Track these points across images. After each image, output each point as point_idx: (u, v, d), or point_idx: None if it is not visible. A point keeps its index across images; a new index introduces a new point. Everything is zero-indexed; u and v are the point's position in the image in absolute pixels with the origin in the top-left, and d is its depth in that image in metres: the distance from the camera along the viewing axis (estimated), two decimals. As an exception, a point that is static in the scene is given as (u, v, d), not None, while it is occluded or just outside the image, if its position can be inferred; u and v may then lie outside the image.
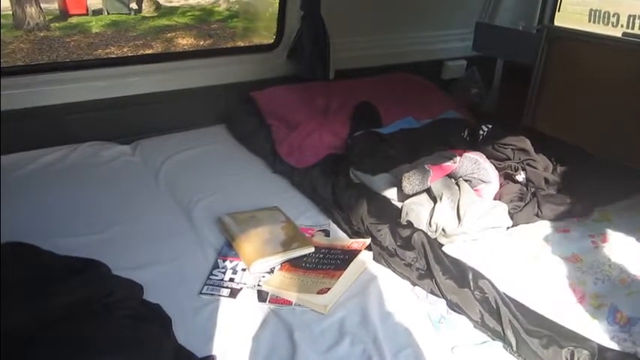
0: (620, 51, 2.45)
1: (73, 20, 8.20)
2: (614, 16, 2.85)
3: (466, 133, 2.19)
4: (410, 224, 1.69)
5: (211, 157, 2.38)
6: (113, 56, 6.38)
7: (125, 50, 6.95)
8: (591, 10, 2.96)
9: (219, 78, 2.74)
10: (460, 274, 1.48)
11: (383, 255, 1.65)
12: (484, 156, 1.90)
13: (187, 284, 1.53)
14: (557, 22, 3.16)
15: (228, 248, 1.69)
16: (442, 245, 1.62)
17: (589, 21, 2.94)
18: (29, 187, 2.03)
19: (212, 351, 1.29)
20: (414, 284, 1.56)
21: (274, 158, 2.28)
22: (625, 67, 2.40)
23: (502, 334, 1.35)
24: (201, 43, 7.80)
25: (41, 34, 7.36)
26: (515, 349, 1.32)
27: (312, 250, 1.66)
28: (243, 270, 1.59)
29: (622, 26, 2.81)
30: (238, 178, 2.19)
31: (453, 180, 1.81)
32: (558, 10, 3.19)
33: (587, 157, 2.13)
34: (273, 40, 2.94)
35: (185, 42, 7.79)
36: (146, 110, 2.58)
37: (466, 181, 1.81)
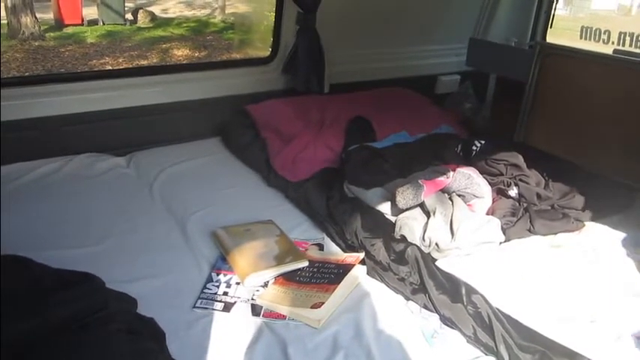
0: (611, 68, 2.48)
1: (69, 30, 8.21)
2: (605, 33, 2.90)
3: (459, 148, 2.21)
4: (403, 239, 1.70)
5: (206, 169, 2.38)
6: (109, 68, 6.38)
7: (120, 61, 6.96)
8: (583, 27, 3.01)
9: (214, 91, 2.75)
10: (453, 288, 1.49)
11: (376, 269, 1.66)
12: (477, 171, 1.92)
13: (181, 298, 1.53)
14: (549, 39, 3.21)
15: (222, 262, 1.69)
16: (435, 260, 1.63)
17: (580, 37, 2.99)
18: (24, 199, 2.03)
19: (205, 365, 1.29)
20: (407, 299, 1.57)
21: (269, 171, 2.29)
22: (616, 83, 2.44)
23: (495, 349, 1.35)
24: (197, 54, 7.83)
25: (36, 44, 7.36)
26: (507, 364, 1.33)
27: (306, 264, 1.66)
28: (237, 284, 1.59)
29: (613, 43, 2.85)
30: (233, 191, 2.19)
31: (446, 195, 1.83)
32: (550, 27, 3.25)
33: (578, 173, 2.15)
34: (268, 54, 2.96)
35: (180, 53, 7.81)
36: (141, 122, 2.58)
37: (459, 196, 1.83)
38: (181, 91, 2.67)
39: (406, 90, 3.05)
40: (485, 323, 1.39)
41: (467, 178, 1.85)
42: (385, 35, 3.15)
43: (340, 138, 2.43)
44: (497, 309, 1.41)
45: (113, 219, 1.93)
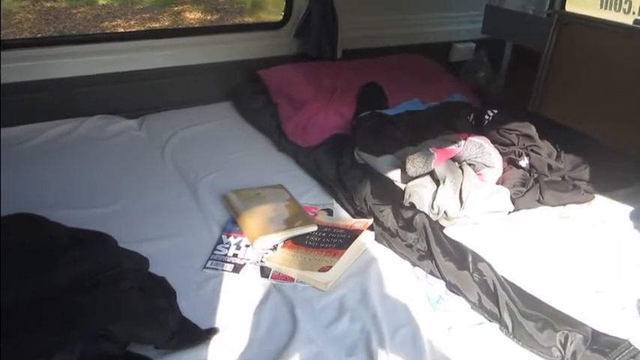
0: (631, 39, 2.43)
1: (81, -9, 8.12)
2: (626, 2, 2.83)
3: (472, 117, 2.19)
4: (412, 206, 1.71)
5: (217, 133, 2.39)
6: (121, 30, 6.33)
7: (132, 23, 6.90)
8: (604, -5, 2.93)
9: (226, 55, 2.74)
10: (460, 256, 1.50)
11: (384, 235, 1.67)
12: (488, 140, 1.91)
13: (192, 259, 1.56)
14: (568, 8, 3.14)
15: (233, 224, 1.71)
16: (443, 228, 1.64)
17: (600, 7, 2.92)
18: (37, 160, 2.05)
19: (215, 323, 1.32)
20: (414, 265, 1.59)
21: (280, 137, 2.29)
22: (635, 55, 2.39)
23: (499, 316, 1.37)
24: (209, 17, 7.74)
25: (48, 5, 7.31)
26: (510, 331, 1.34)
27: (315, 228, 1.68)
28: (247, 246, 1.62)
29: (634, 13, 2.79)
30: (244, 155, 2.20)
31: (456, 163, 1.83)
32: (569, -5, 3.17)
33: (591, 145, 2.13)
34: (281, 18, 2.92)
35: (192, 16, 7.73)
36: (153, 85, 2.58)
37: (470, 165, 1.82)
38: (193, 55, 2.66)
39: (420, 57, 3.01)
40: (490, 291, 1.41)
41: (478, 147, 1.84)
42: (400, 1, 3.09)
43: (352, 104, 2.42)
44: (503, 277, 1.42)
45: (125, 180, 1.96)
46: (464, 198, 1.68)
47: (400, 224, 1.65)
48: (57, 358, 1.03)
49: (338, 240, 1.61)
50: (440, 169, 1.76)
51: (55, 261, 1.31)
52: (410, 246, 1.60)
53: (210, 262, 1.55)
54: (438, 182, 1.75)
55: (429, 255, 1.56)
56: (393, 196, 1.76)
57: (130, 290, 1.28)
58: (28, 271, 1.25)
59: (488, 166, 1.83)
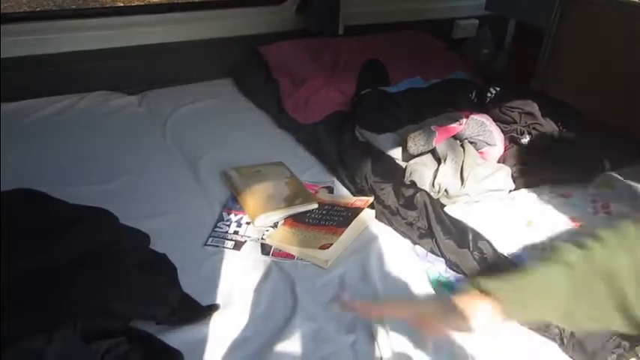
0: (638, 15, 2.39)
1: (79, -35, 8.01)
2: (633, -22, 2.78)
3: (474, 94, 2.17)
4: (413, 184, 1.70)
5: (217, 110, 2.38)
6: (121, 5, 6.26)
7: (131, -2, 6.82)
8: (610, -29, 2.88)
9: (226, 30, 2.70)
10: (460, 234, 1.50)
11: (385, 213, 1.67)
12: (490, 118, 1.90)
13: (192, 235, 1.56)
14: (573, -17, 3.08)
15: (233, 202, 1.72)
16: (444, 206, 1.64)
17: (607, -17, 2.87)
18: (36, 136, 2.05)
19: (216, 300, 1.33)
20: (414, 243, 1.59)
21: (280, 113, 2.28)
22: (642, 33, 2.35)
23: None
24: (209, -8, 7.66)
25: (46, -21, 7.22)
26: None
27: (316, 206, 1.68)
28: (248, 223, 1.62)
29: (641, -12, 2.74)
30: (244, 132, 2.19)
31: (458, 142, 1.82)
32: (576, -29, 3.11)
33: (593, 123, 2.12)
34: (282, -7, 2.88)
35: (192, -9, 7.64)
36: (152, 61, 2.56)
37: (471, 143, 1.82)
38: (193, 31, 2.63)
39: (422, 33, 2.98)
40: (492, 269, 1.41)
41: (479, 126, 1.83)
42: (403, -24, 3.05)
43: (353, 81, 2.40)
44: (503, 255, 1.43)
45: (125, 157, 1.96)
46: (465, 176, 1.67)
47: (401, 202, 1.65)
48: (59, 334, 1.04)
49: (338, 218, 1.61)
50: (441, 147, 1.75)
51: (56, 237, 1.31)
52: (410, 224, 1.60)
53: (211, 239, 1.55)
54: (439, 160, 1.74)
55: (429, 233, 1.56)
56: (394, 174, 1.76)
57: (131, 266, 1.29)
58: (29, 247, 1.26)
59: (489, 145, 1.83)
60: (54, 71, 2.36)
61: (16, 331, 1.05)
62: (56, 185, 1.62)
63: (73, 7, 6.20)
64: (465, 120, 1.83)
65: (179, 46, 2.59)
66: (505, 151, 1.87)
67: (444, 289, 1.42)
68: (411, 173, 1.73)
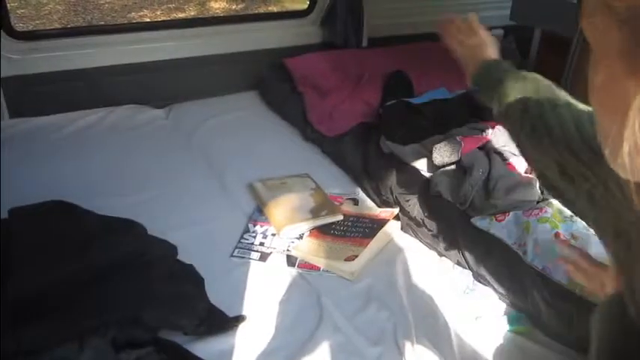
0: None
1: (107, -18, 8.21)
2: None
3: (500, 105, 2.15)
4: (439, 195, 1.69)
5: (243, 123, 2.40)
6: (147, 20, 6.40)
7: (158, 13, 6.95)
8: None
9: (251, 44, 2.74)
10: (487, 246, 1.49)
11: (411, 225, 1.67)
12: (517, 129, 1.88)
13: (219, 247, 1.58)
14: (600, -8, 3.04)
15: (259, 213, 1.73)
16: (470, 217, 1.63)
17: (634, -9, 2.83)
18: (67, 149, 2.09)
19: (242, 311, 1.34)
20: (440, 255, 1.58)
21: (305, 126, 2.29)
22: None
23: (526, 306, 1.36)
24: (234, 7, 7.76)
25: (76, -4, 7.41)
26: (538, 321, 1.33)
27: (341, 217, 1.68)
28: (273, 235, 1.63)
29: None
30: (269, 144, 2.21)
31: (484, 152, 1.80)
32: (602, -21, 3.07)
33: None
34: (306, 6, 2.91)
35: (217, 5, 7.76)
36: (179, 75, 2.60)
37: (497, 153, 1.80)
38: (218, 44, 2.67)
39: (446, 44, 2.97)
40: (517, 281, 1.39)
41: (505, 136, 1.81)
42: (426, -13, 3.05)
43: (377, 93, 2.40)
44: (531, 267, 1.41)
45: (153, 169, 1.99)
46: (491, 187, 1.65)
47: (426, 214, 1.64)
48: (90, 342, 1.06)
49: (364, 229, 1.61)
50: (467, 158, 1.74)
51: (86, 248, 1.34)
52: (436, 236, 1.59)
53: (237, 250, 1.56)
54: (465, 171, 1.73)
55: (455, 245, 1.54)
56: (420, 186, 1.75)
57: (159, 277, 1.30)
58: (61, 257, 1.29)
59: (516, 155, 1.80)
60: (83, 86, 2.41)
61: (49, 339, 1.07)
62: (86, 197, 1.65)
63: (102, 23, 6.35)
64: (490, 130, 1.81)
65: (205, 59, 2.63)
66: (532, 161, 1.85)
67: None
68: (436, 184, 1.71)
